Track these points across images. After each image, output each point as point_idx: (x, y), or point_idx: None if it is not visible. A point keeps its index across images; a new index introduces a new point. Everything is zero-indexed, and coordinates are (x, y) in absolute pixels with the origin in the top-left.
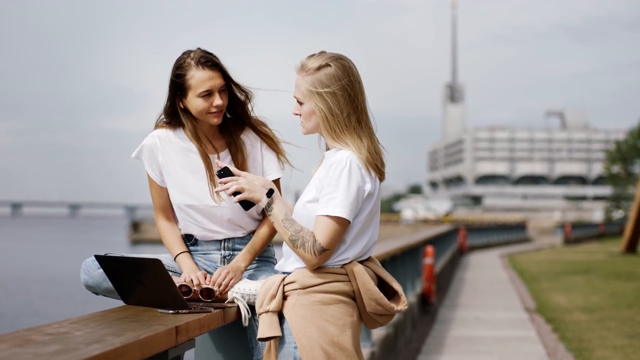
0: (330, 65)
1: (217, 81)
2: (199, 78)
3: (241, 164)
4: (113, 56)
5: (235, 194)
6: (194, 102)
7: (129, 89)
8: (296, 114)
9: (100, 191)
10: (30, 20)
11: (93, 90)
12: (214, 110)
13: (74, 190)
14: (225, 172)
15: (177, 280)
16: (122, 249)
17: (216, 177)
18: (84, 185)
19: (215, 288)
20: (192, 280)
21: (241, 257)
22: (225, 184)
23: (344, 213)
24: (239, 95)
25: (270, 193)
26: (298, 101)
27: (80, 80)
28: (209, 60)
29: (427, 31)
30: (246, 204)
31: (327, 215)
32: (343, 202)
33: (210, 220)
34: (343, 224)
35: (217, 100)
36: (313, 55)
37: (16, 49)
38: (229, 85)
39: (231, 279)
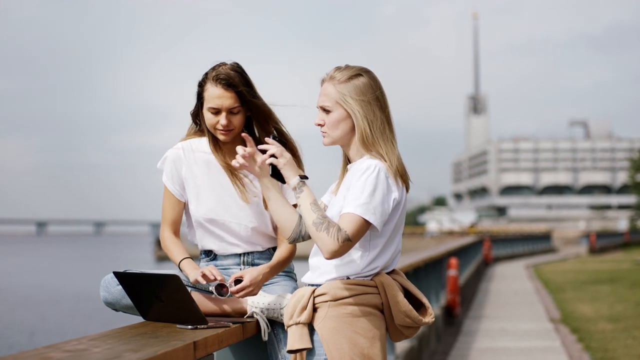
0: (362, 76)
1: (227, 102)
2: (210, 93)
3: None
4: (138, 74)
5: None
6: (205, 115)
7: (153, 106)
8: (319, 124)
9: (125, 208)
10: (49, 40)
11: (117, 107)
12: (220, 127)
13: (99, 207)
14: (279, 142)
15: (197, 297)
16: (147, 265)
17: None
18: (109, 202)
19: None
20: (207, 275)
21: (265, 274)
22: (270, 144)
23: (367, 214)
24: (264, 113)
25: (303, 178)
26: (324, 110)
27: (104, 98)
28: (224, 79)
29: (449, 43)
30: (274, 173)
31: (352, 213)
32: (368, 205)
33: (229, 234)
34: (366, 226)
35: (222, 120)
36: (339, 67)
37: (36, 69)
38: (249, 106)
39: (251, 294)
